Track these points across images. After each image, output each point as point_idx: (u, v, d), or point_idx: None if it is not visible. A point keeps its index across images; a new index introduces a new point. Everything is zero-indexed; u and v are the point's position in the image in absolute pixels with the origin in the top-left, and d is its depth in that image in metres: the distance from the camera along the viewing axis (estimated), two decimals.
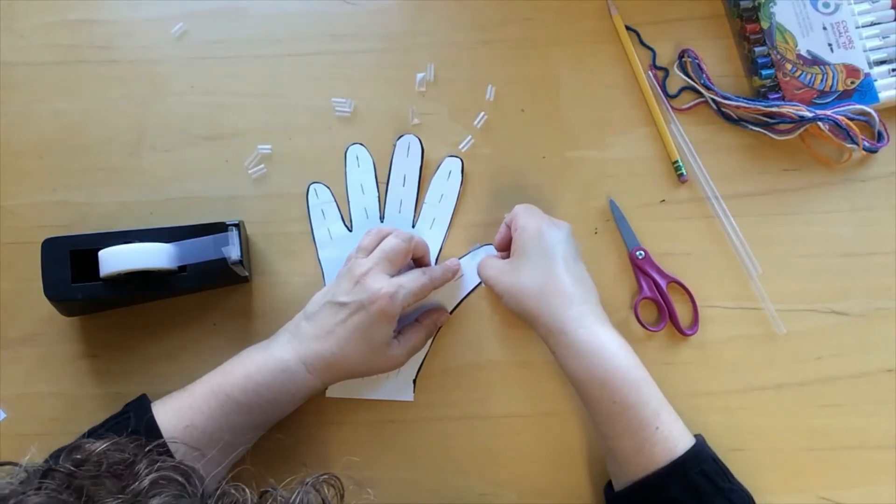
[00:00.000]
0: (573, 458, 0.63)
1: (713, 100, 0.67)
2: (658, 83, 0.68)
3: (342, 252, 0.63)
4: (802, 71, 0.67)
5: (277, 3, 0.69)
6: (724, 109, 0.68)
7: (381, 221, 0.66)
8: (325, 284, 0.64)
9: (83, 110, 0.68)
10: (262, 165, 0.67)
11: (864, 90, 0.66)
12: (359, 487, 0.49)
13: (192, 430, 0.54)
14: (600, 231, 0.66)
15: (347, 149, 0.67)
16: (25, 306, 0.64)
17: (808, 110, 0.65)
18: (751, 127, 0.67)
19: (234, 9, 0.69)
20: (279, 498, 0.41)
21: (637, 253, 0.65)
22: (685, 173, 0.67)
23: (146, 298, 0.64)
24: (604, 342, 0.54)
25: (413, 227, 0.66)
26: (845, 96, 0.67)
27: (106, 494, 0.39)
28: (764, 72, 0.67)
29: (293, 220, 0.66)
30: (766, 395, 0.64)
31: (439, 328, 0.64)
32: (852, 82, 0.67)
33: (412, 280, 0.59)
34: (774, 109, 0.65)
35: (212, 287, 0.64)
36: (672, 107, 0.68)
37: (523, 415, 0.64)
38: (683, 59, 0.69)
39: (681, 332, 0.64)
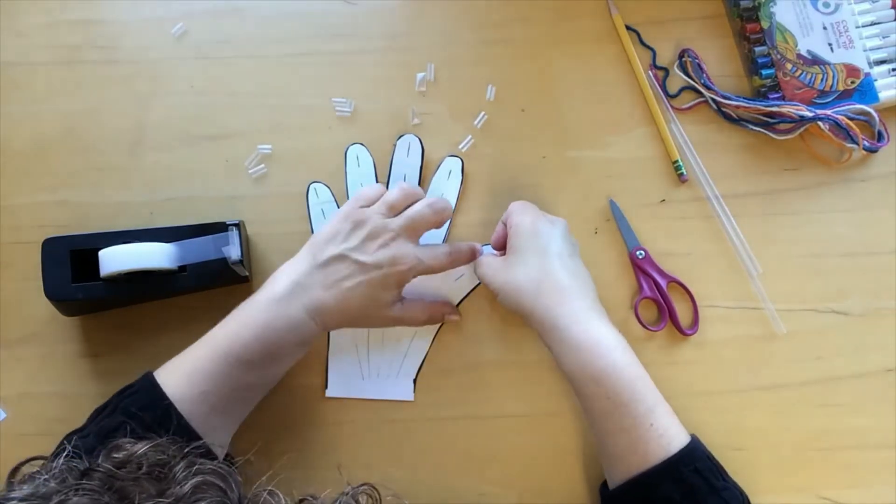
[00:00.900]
0: (573, 458, 0.63)
1: (713, 100, 0.67)
2: (658, 83, 0.68)
3: None
4: (802, 71, 0.67)
5: (277, 3, 0.69)
6: (724, 109, 0.68)
7: None
8: None
9: (83, 110, 0.68)
10: (262, 165, 0.67)
11: (864, 90, 0.66)
12: (396, 498, 0.49)
13: (209, 396, 0.54)
14: (600, 231, 0.66)
15: (347, 149, 0.67)
16: (25, 306, 0.64)
17: (809, 110, 0.65)
18: (751, 127, 0.67)
19: (234, 9, 0.69)
20: None
21: (637, 253, 0.65)
22: (685, 173, 0.67)
23: (146, 298, 0.64)
24: (599, 338, 0.54)
25: None
26: (845, 96, 0.66)
27: (147, 498, 0.39)
28: (764, 71, 0.67)
29: (293, 220, 0.66)
30: (766, 395, 0.64)
31: (443, 323, 0.64)
32: (852, 82, 0.67)
33: (434, 257, 0.59)
34: (774, 109, 0.65)
35: (212, 287, 0.63)
36: (672, 107, 0.68)
37: (523, 415, 0.64)
38: (683, 59, 0.69)
39: (681, 332, 0.64)
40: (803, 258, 0.66)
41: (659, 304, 0.65)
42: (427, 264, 0.58)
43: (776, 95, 0.67)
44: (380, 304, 0.58)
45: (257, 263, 0.66)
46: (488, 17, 0.70)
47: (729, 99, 0.67)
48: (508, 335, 0.65)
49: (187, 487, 0.40)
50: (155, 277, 0.60)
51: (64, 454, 0.42)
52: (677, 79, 0.69)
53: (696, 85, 0.68)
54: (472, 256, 0.62)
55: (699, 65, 0.68)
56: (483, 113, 0.68)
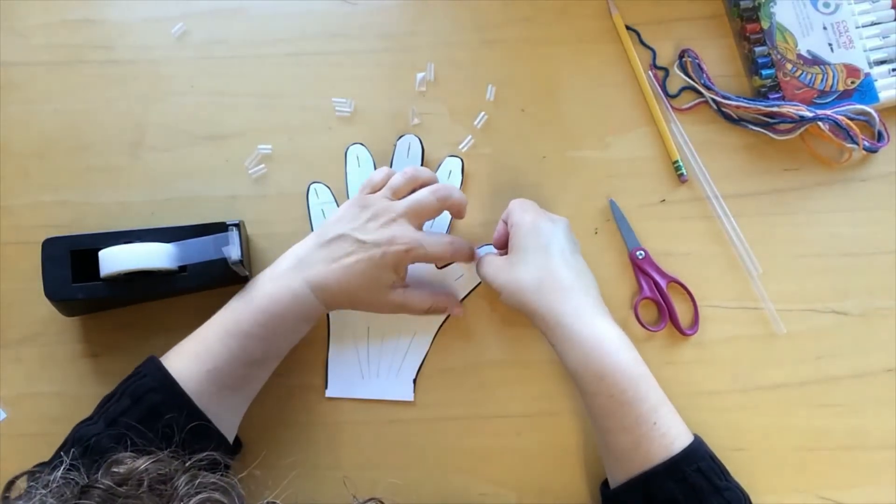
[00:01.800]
0: (573, 458, 0.63)
1: (713, 100, 0.67)
2: (658, 83, 0.68)
3: None
4: (803, 71, 0.67)
5: (277, 3, 0.69)
6: (724, 109, 0.68)
7: None
8: None
9: (83, 110, 0.68)
10: (262, 165, 0.67)
11: (865, 90, 0.66)
12: None
13: (216, 373, 0.54)
14: (600, 231, 0.66)
15: (348, 149, 0.67)
16: (25, 306, 0.64)
17: (809, 110, 0.65)
18: (751, 127, 0.67)
19: (234, 9, 0.69)
20: None
21: (637, 253, 0.65)
22: (685, 173, 0.67)
23: (146, 298, 0.64)
24: (602, 336, 0.54)
25: None
26: (845, 96, 0.67)
27: None
28: (764, 72, 0.67)
29: (293, 220, 0.66)
30: (766, 395, 0.64)
31: (446, 318, 0.64)
32: (852, 82, 0.67)
33: (434, 244, 0.59)
34: (775, 109, 0.65)
35: (212, 287, 0.63)
36: (672, 107, 0.68)
37: (523, 415, 0.64)
38: (683, 59, 0.69)
39: (681, 332, 0.64)
40: (803, 258, 0.66)
41: (659, 305, 0.65)
42: (427, 249, 0.58)
43: (776, 95, 0.67)
44: (380, 284, 0.58)
45: (257, 263, 0.66)
46: (488, 17, 0.70)
47: (729, 99, 0.67)
48: (508, 335, 0.65)
49: None
50: (155, 277, 0.60)
51: (62, 467, 0.42)
52: (677, 79, 0.69)
53: (696, 85, 0.68)
54: (471, 256, 0.63)
55: (699, 65, 0.68)
56: (483, 113, 0.68)
